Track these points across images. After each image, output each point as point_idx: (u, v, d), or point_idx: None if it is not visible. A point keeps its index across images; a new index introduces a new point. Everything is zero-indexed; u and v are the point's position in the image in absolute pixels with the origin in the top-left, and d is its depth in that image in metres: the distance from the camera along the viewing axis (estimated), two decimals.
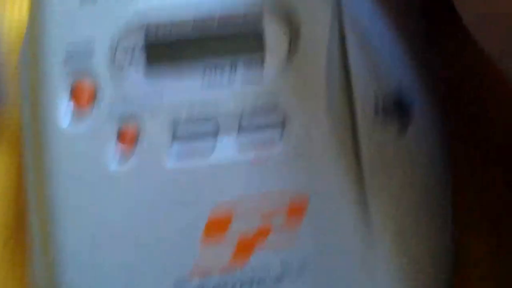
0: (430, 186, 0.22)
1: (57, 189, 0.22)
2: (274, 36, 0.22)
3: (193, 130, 0.22)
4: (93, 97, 0.22)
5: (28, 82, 0.23)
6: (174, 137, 0.22)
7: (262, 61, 0.22)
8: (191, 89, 0.22)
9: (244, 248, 0.22)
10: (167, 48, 0.22)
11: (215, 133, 0.22)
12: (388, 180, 0.22)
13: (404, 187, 0.22)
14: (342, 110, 0.22)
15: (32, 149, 0.22)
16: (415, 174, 0.22)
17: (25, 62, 0.23)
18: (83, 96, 0.22)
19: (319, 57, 0.22)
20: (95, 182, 0.22)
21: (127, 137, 0.22)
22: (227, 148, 0.22)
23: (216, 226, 0.22)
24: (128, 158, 0.22)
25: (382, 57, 0.22)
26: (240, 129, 0.22)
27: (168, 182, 0.22)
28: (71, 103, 0.22)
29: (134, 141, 0.22)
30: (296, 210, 0.22)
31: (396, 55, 0.22)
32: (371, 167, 0.22)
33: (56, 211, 0.22)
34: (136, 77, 0.22)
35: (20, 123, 0.24)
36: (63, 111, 0.22)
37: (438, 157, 0.23)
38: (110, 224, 0.21)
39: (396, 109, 0.22)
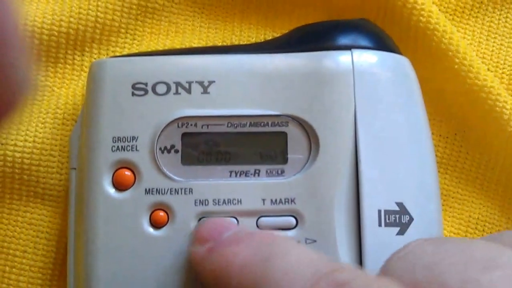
0: None
1: (95, 246, 0.25)
2: (297, 143, 0.25)
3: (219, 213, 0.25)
4: (133, 181, 0.25)
5: (78, 153, 0.26)
6: (202, 214, 0.25)
7: (283, 163, 0.25)
8: (219, 183, 0.25)
9: None
10: (199, 154, 0.26)
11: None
12: None
13: None
14: (349, 218, 0.25)
15: (77, 208, 0.26)
16: None
17: (77, 135, 0.26)
18: (124, 180, 0.25)
19: (335, 168, 0.25)
20: (131, 242, 0.25)
21: (161, 213, 0.25)
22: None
23: None
24: (161, 226, 0.25)
25: (390, 175, 0.25)
26: (259, 217, 0.25)
27: None
28: (114, 181, 0.25)
29: (167, 216, 0.25)
30: None
31: (403, 175, 0.25)
32: (372, 262, 0.25)
33: (92, 263, 0.25)
34: (171, 170, 0.25)
35: (68, 184, 0.27)
36: (106, 186, 0.25)
37: None
38: (141, 280, 0.25)
39: (397, 222, 0.25)
